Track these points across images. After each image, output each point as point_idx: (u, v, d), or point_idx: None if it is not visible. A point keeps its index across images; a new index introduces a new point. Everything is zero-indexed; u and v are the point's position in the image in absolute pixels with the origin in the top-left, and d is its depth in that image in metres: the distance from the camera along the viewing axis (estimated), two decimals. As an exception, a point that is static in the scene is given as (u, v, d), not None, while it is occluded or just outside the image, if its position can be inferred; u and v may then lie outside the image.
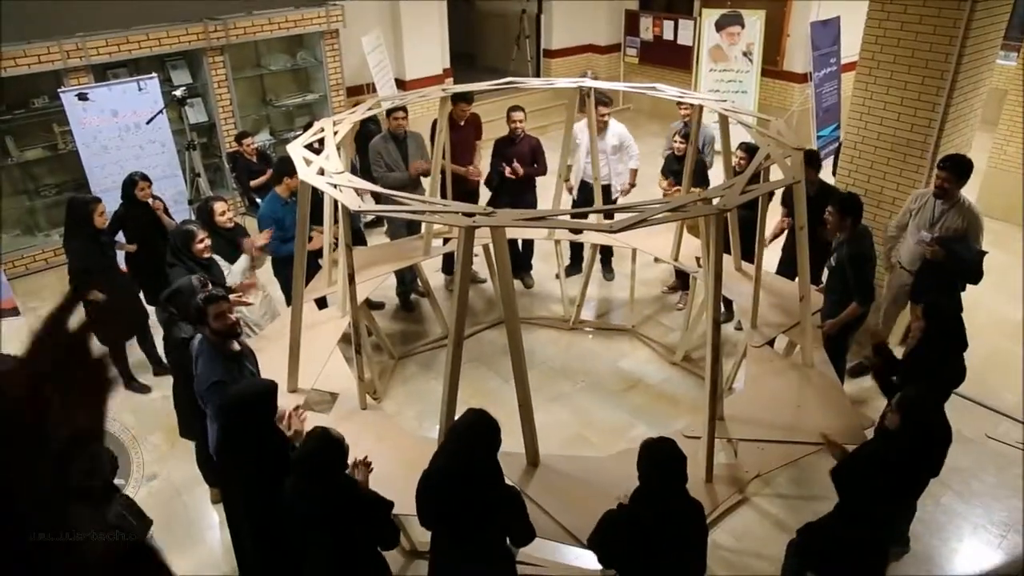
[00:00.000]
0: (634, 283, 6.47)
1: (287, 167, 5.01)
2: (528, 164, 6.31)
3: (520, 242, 6.76)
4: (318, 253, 5.30)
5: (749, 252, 5.10)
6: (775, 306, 4.98)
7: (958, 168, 4.77)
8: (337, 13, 8.61)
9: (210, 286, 4.03)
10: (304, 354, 4.31)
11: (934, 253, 4.76)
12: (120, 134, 6.97)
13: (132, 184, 5.43)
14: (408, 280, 6.53)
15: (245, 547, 3.54)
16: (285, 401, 3.89)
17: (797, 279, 4.53)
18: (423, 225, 5.86)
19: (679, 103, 6.03)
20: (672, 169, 6.19)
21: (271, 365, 4.11)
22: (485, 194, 6.71)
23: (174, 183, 7.21)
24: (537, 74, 12.00)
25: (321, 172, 3.94)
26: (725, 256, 4.65)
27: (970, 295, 4.96)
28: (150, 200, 5.55)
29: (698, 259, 5.44)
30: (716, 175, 6.53)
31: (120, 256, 5.57)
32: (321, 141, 4.40)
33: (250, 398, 3.21)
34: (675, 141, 6.19)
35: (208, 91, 8.11)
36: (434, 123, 5.90)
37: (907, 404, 3.27)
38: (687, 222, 5.46)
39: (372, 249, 6.16)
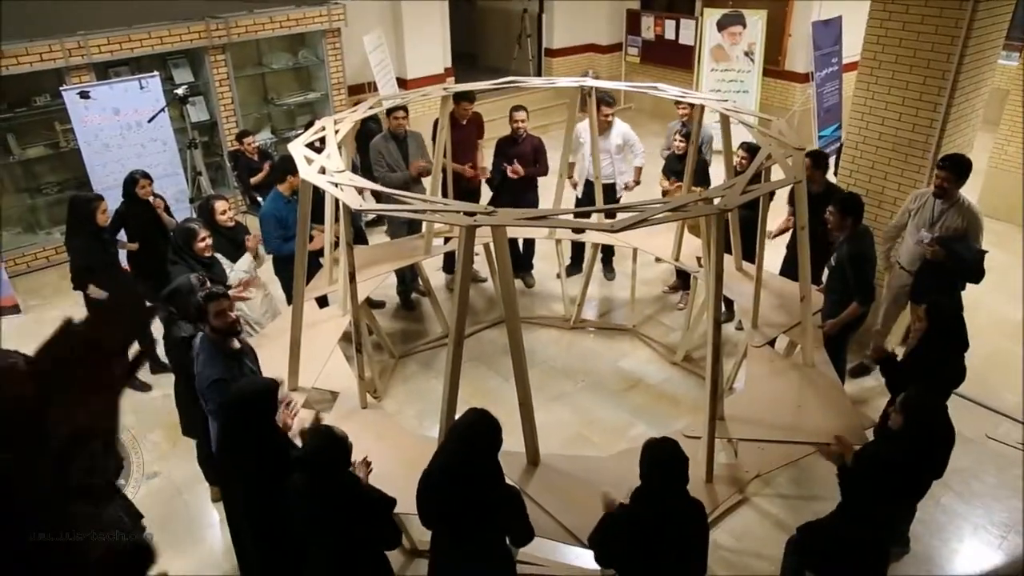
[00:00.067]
0: (635, 283, 6.47)
1: (290, 165, 5.01)
2: (530, 164, 6.31)
3: (521, 241, 6.76)
4: (319, 252, 5.30)
5: (750, 252, 5.10)
6: (776, 306, 4.98)
7: (957, 167, 4.77)
8: (339, 12, 8.61)
9: (209, 284, 4.04)
10: (305, 353, 4.31)
11: (934, 253, 4.75)
12: (122, 132, 6.98)
13: (133, 182, 5.43)
14: (409, 279, 6.54)
15: (245, 546, 3.55)
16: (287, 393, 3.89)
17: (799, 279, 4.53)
18: (424, 224, 5.86)
19: (677, 103, 6.03)
20: (674, 169, 6.19)
21: (272, 364, 4.11)
22: (486, 193, 6.71)
23: (175, 181, 7.21)
24: (538, 73, 11.99)
25: (322, 171, 3.94)
26: (726, 256, 4.65)
27: (970, 295, 4.96)
28: (151, 198, 5.55)
29: (699, 259, 5.43)
30: (717, 175, 6.53)
31: (122, 255, 5.58)
32: (322, 140, 4.40)
33: (250, 396, 3.21)
34: (676, 140, 6.19)
35: (210, 89, 8.11)
36: (435, 122, 5.90)
37: (910, 405, 3.26)
38: (688, 222, 5.46)
39: (373, 248, 6.16)
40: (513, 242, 6.39)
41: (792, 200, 5.67)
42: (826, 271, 4.92)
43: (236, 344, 3.75)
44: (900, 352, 4.23)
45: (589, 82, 5.75)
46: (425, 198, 4.37)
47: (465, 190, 6.35)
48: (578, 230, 6.16)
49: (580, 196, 6.66)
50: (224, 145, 8.22)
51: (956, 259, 4.70)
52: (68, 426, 0.57)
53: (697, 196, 3.94)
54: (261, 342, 4.48)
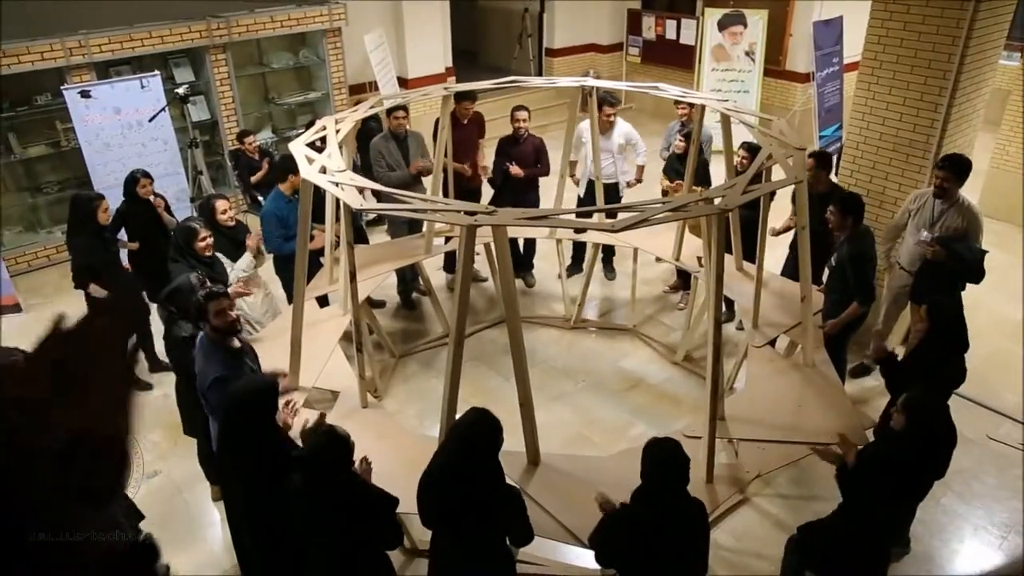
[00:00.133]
0: (635, 282, 6.47)
1: (291, 164, 5.01)
2: (531, 164, 6.31)
3: (521, 241, 6.76)
4: (320, 251, 5.30)
5: (751, 252, 5.09)
6: (776, 306, 4.97)
7: (957, 167, 4.77)
8: (339, 11, 8.61)
9: (208, 283, 4.04)
10: (305, 352, 4.31)
11: (935, 253, 4.75)
12: (122, 131, 6.98)
13: (134, 181, 5.44)
14: (409, 278, 6.54)
15: (245, 545, 3.55)
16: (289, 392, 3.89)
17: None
18: (424, 224, 5.86)
19: (676, 103, 6.02)
20: (675, 168, 6.19)
21: (273, 363, 4.11)
22: (488, 193, 6.71)
23: (176, 181, 7.22)
24: (539, 73, 11.99)
25: (323, 170, 3.94)
26: (727, 256, 4.65)
27: (970, 295, 4.95)
28: (151, 198, 5.55)
29: (699, 259, 5.43)
30: (717, 174, 6.53)
31: (123, 254, 5.58)
32: (323, 139, 4.40)
33: (250, 396, 3.21)
34: (677, 140, 6.19)
35: (210, 89, 8.11)
36: (437, 121, 5.89)
37: (913, 405, 3.26)
38: (689, 222, 5.46)
39: (374, 247, 6.16)
40: (513, 242, 6.39)
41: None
42: (826, 271, 4.92)
43: (236, 343, 3.76)
44: (900, 352, 4.22)
45: (590, 82, 5.75)
46: (426, 197, 4.37)
47: (466, 190, 6.35)
48: (579, 230, 6.16)
49: (582, 195, 6.67)
50: (225, 144, 8.22)
51: (956, 259, 4.70)
52: (68, 425, 0.57)
53: (698, 196, 3.94)
54: (262, 342, 4.49)
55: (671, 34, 11.45)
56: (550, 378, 5.70)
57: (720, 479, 3.66)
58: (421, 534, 3.97)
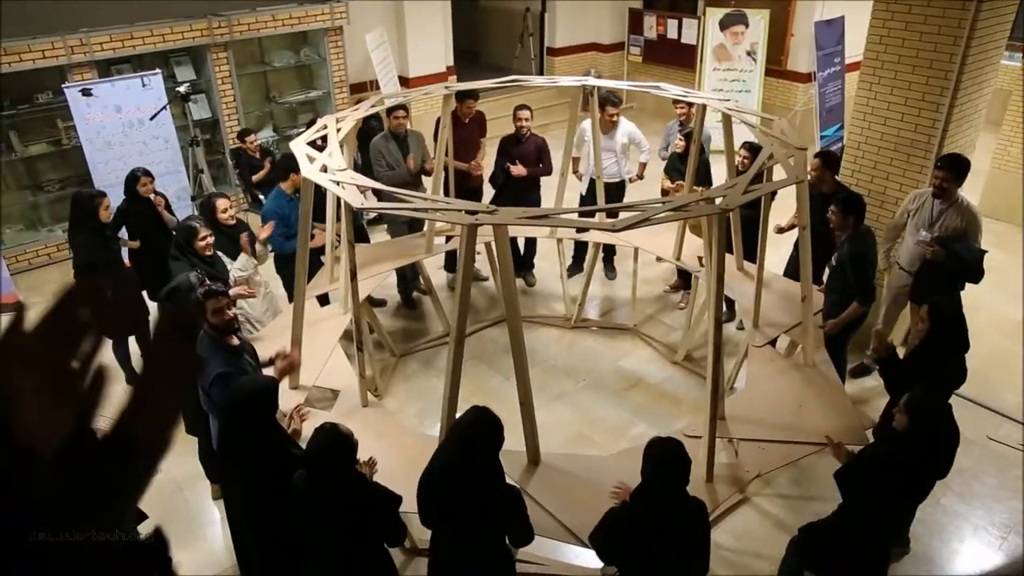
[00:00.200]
0: (636, 282, 6.47)
1: (293, 163, 5.01)
2: (533, 164, 6.31)
3: (522, 241, 6.76)
4: (320, 250, 5.30)
5: (751, 252, 5.09)
6: (777, 306, 4.98)
7: (956, 167, 4.77)
8: (341, 10, 8.61)
9: (208, 282, 4.04)
10: (306, 351, 4.31)
11: (934, 253, 4.75)
12: (124, 130, 6.99)
13: (134, 180, 5.44)
14: (410, 277, 6.54)
15: (246, 544, 3.55)
16: (286, 398, 3.90)
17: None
18: (425, 223, 5.86)
19: (675, 102, 6.01)
20: (676, 168, 6.19)
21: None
22: (489, 193, 6.71)
23: (177, 179, 7.22)
24: (540, 72, 11.98)
25: (324, 169, 3.94)
26: (727, 256, 4.65)
27: (970, 295, 4.95)
28: (152, 196, 5.56)
29: (700, 258, 5.43)
30: (718, 174, 6.53)
31: (124, 252, 5.58)
32: (324, 138, 4.40)
33: (250, 396, 3.21)
34: (678, 140, 6.19)
35: (212, 87, 8.11)
36: (438, 120, 5.89)
37: (915, 405, 3.26)
38: (689, 221, 5.46)
39: (374, 246, 6.16)
40: (514, 241, 6.39)
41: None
42: (827, 271, 4.92)
43: (234, 341, 3.76)
44: (900, 352, 4.22)
45: (591, 81, 5.75)
46: (427, 196, 4.37)
47: (467, 189, 6.34)
48: (580, 229, 6.16)
49: (584, 194, 6.67)
50: (226, 143, 8.22)
51: (956, 259, 4.70)
52: (61, 426, 0.57)
53: (699, 196, 3.94)
54: (262, 340, 4.49)
55: (672, 34, 11.44)
56: (550, 377, 5.70)
57: (720, 479, 3.66)
58: (421, 533, 3.97)
